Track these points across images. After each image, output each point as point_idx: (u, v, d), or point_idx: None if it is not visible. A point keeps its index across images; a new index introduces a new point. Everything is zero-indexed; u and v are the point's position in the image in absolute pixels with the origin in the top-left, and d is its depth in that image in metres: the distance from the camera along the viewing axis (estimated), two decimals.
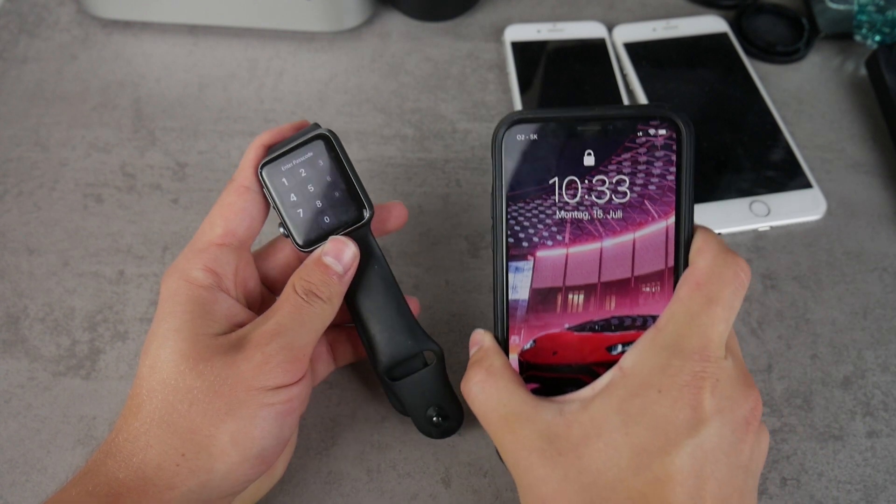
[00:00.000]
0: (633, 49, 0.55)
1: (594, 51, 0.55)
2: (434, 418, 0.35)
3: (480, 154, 0.50)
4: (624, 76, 0.53)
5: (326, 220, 0.34)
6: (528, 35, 0.55)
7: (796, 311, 0.43)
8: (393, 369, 0.35)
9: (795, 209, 0.46)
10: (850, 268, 0.45)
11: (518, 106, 0.51)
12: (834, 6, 0.56)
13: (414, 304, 0.38)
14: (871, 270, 0.45)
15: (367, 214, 0.34)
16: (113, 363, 0.40)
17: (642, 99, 0.52)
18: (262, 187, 0.34)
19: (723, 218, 0.46)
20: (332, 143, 0.34)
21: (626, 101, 0.51)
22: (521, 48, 0.55)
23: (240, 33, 0.56)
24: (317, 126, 0.34)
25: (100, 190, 0.48)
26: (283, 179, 0.33)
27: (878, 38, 0.54)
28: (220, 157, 0.49)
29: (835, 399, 0.40)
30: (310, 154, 0.34)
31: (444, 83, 0.54)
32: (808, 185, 0.47)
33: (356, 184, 0.34)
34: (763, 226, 0.46)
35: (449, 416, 0.35)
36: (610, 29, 0.56)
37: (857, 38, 0.55)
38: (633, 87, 0.53)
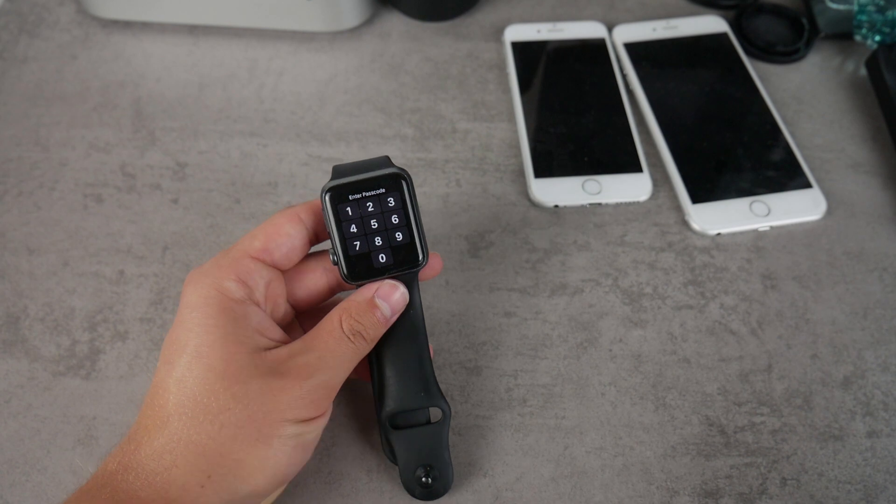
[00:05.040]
0: (633, 49, 0.55)
1: (594, 51, 0.55)
2: (422, 478, 0.34)
3: (480, 154, 0.50)
4: (624, 76, 0.53)
5: (382, 259, 0.33)
6: (528, 35, 0.55)
7: (796, 311, 0.43)
8: (396, 417, 0.34)
9: (795, 209, 0.46)
10: (850, 268, 0.45)
11: (518, 105, 0.51)
12: (834, 6, 0.56)
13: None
14: (871, 270, 0.45)
15: (422, 261, 0.33)
16: (113, 363, 0.40)
17: (642, 98, 0.52)
18: (322, 209, 0.33)
19: (723, 218, 0.46)
20: (406, 184, 0.33)
21: (626, 101, 0.51)
22: (521, 48, 0.55)
23: (240, 33, 0.56)
24: (388, 159, 0.34)
25: (100, 190, 0.48)
26: (348, 209, 0.33)
27: (878, 38, 0.54)
28: (220, 157, 0.49)
29: (835, 399, 0.40)
30: (381, 190, 0.33)
31: (444, 83, 0.54)
32: (808, 185, 0.47)
33: (418, 229, 0.33)
34: (763, 226, 0.46)
35: (438, 478, 0.34)
36: (610, 29, 0.56)
37: (857, 38, 0.55)
38: (633, 87, 0.53)
